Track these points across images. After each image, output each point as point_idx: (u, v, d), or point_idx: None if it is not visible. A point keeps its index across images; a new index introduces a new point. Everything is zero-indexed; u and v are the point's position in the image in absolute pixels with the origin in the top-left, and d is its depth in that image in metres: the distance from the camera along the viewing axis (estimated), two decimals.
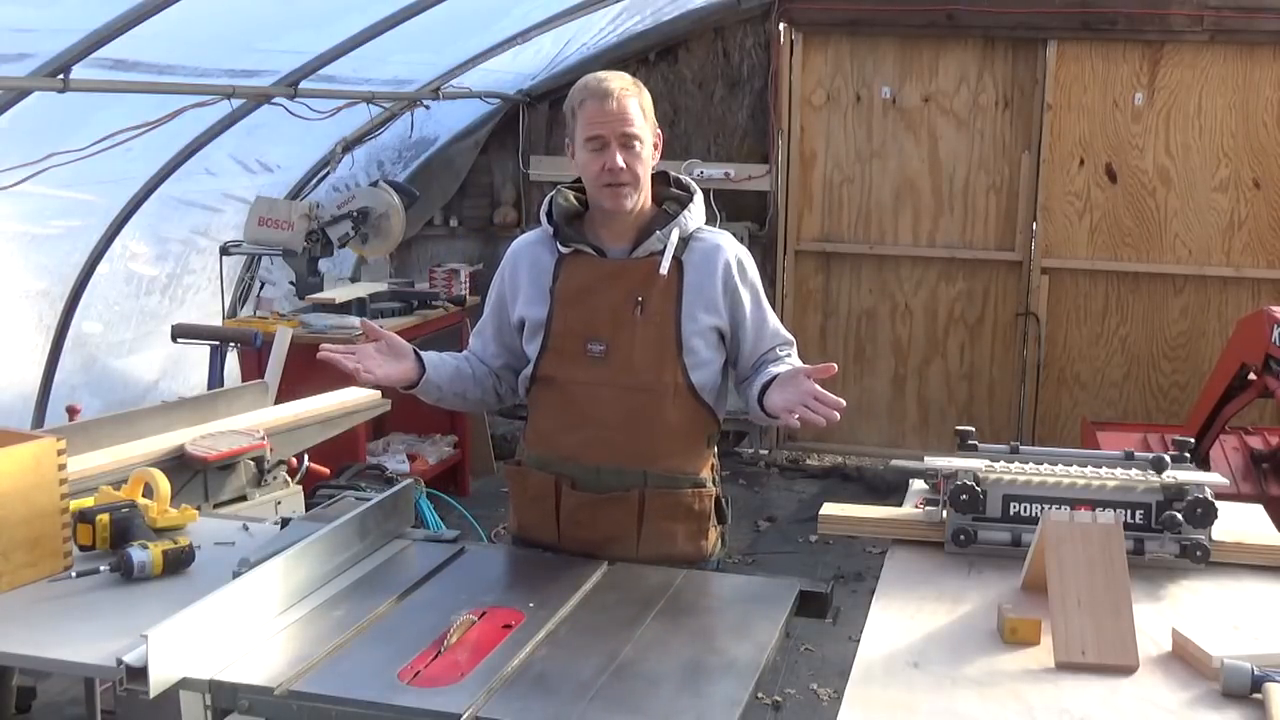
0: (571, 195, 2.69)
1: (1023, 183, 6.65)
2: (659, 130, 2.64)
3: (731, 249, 2.65)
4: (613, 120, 2.51)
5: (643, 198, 2.60)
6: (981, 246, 6.79)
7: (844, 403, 2.37)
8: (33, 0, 3.55)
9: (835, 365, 2.44)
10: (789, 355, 2.70)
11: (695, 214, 2.65)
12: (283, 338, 4.56)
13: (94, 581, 2.40)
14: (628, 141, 2.53)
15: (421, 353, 2.65)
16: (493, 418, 6.69)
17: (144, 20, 3.69)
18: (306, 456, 3.88)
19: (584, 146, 2.55)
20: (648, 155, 2.58)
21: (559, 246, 2.62)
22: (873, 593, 2.40)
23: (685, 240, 2.62)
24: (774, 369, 2.59)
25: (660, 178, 2.69)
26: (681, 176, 2.74)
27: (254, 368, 4.94)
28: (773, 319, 2.70)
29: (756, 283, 2.68)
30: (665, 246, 2.58)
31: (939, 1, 6.48)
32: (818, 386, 2.41)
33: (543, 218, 2.68)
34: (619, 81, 2.56)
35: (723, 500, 2.72)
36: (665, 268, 2.57)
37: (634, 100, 2.54)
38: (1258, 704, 1.91)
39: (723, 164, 6.86)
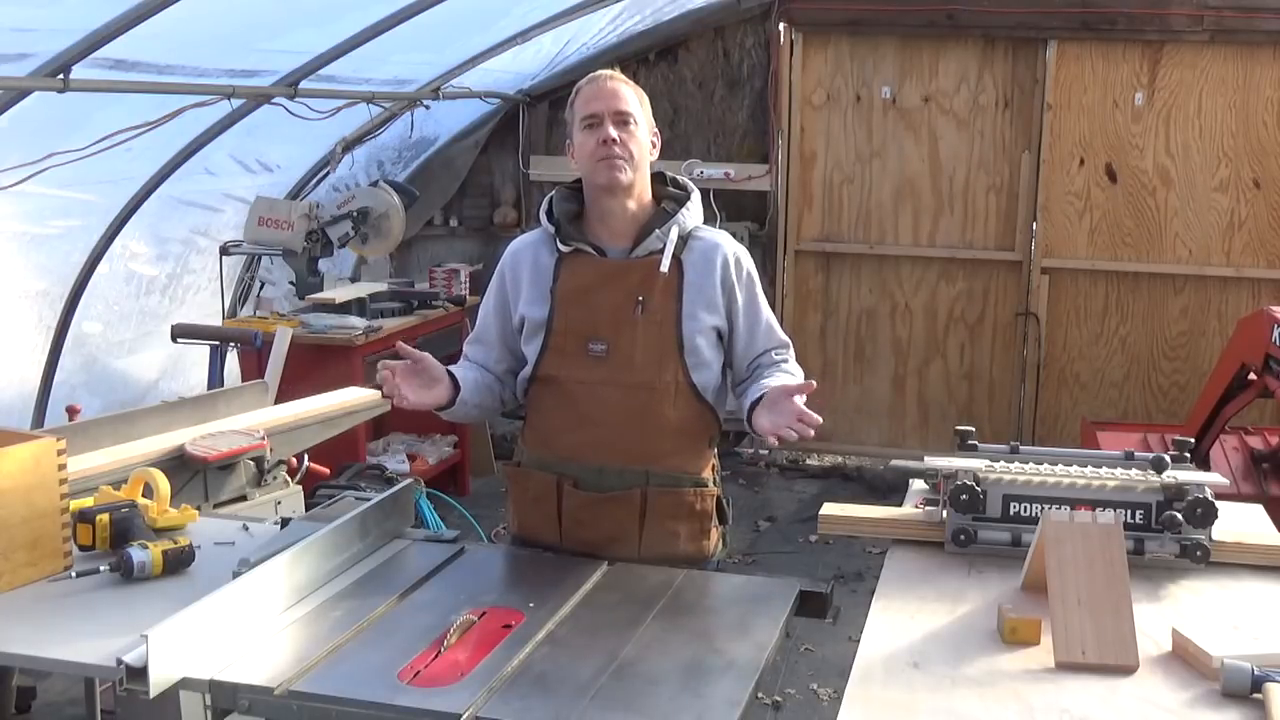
0: (571, 195, 2.69)
1: (1023, 183, 6.65)
2: (656, 130, 2.68)
3: (729, 247, 2.66)
4: (606, 97, 2.58)
5: (639, 186, 2.61)
6: (981, 246, 6.79)
7: (819, 419, 2.40)
8: (33, 0, 3.55)
9: (815, 383, 2.47)
10: (785, 359, 2.70)
11: (693, 212, 2.66)
12: (283, 338, 4.55)
13: (94, 581, 2.41)
14: (621, 119, 2.57)
15: (454, 372, 2.64)
16: (493, 418, 6.68)
17: (144, 20, 3.69)
18: (306, 456, 3.88)
19: (580, 129, 2.59)
20: (644, 140, 2.61)
21: (559, 246, 2.63)
22: (873, 593, 2.40)
23: (684, 239, 2.63)
24: (767, 381, 2.57)
25: (657, 178, 2.70)
26: (679, 177, 2.75)
27: (254, 368, 4.93)
28: (768, 321, 2.70)
29: (754, 282, 2.68)
30: (665, 245, 2.59)
31: (939, 1, 6.48)
32: (802, 406, 2.42)
33: (543, 217, 2.68)
34: (612, 71, 2.66)
35: (724, 501, 2.72)
36: (666, 265, 2.57)
37: (627, 87, 2.62)
38: (1258, 704, 1.91)
39: (723, 164, 6.86)
